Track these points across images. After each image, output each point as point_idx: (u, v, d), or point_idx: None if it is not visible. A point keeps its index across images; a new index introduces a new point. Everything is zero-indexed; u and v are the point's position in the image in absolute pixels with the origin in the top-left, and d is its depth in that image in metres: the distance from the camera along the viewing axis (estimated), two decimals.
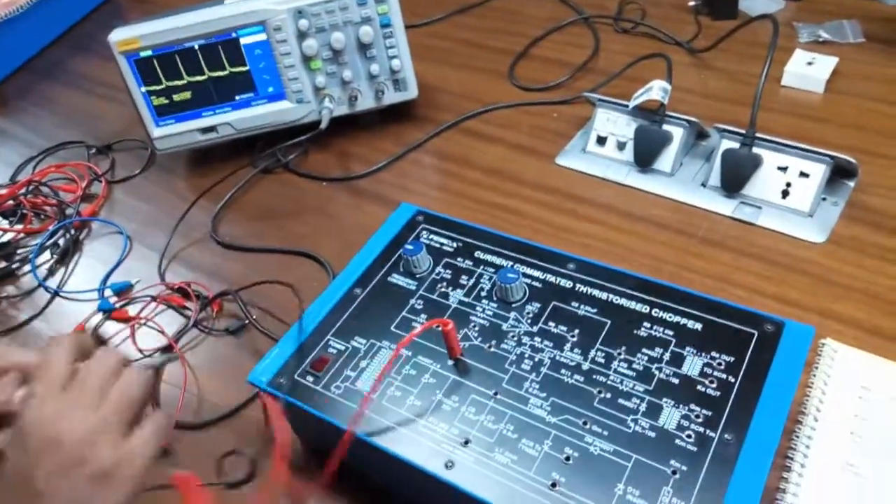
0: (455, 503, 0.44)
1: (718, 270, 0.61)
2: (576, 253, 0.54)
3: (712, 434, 0.42)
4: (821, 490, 0.45)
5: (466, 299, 0.52)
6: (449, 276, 0.54)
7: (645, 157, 0.70)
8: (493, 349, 0.48)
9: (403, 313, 0.52)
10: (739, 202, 0.65)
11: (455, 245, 0.56)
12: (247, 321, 0.63)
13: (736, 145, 0.65)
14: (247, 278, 0.67)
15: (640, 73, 0.79)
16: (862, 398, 0.50)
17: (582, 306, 0.50)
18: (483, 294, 0.52)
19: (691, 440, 0.42)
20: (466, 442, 0.43)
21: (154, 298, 0.66)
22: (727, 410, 0.42)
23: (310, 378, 0.49)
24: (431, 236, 0.57)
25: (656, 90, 0.67)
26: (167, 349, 0.62)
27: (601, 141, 0.73)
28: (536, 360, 0.47)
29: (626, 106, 0.71)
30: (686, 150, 0.70)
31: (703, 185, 0.68)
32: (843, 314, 0.56)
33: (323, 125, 0.76)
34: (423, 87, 0.83)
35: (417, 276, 0.54)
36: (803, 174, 0.63)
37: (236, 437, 0.55)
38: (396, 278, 0.54)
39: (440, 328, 0.47)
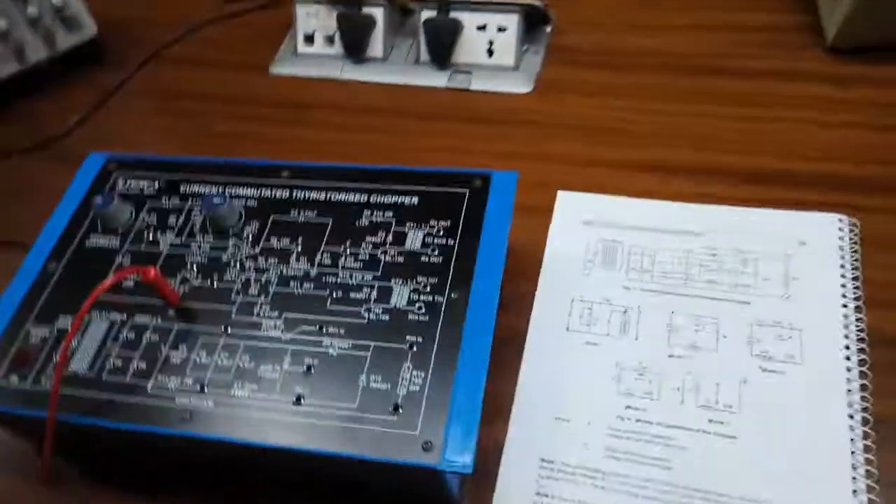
0: (207, 451, 0.42)
1: (443, 143, 0.61)
2: (303, 161, 0.50)
3: (440, 298, 0.42)
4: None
5: (179, 240, 0.47)
6: (155, 221, 0.48)
7: (354, 45, 0.67)
8: (216, 284, 0.45)
9: (111, 276, 0.46)
10: (452, 72, 0.65)
11: (157, 185, 0.50)
12: None
13: (434, 14, 0.64)
14: None
15: None
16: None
17: (302, 212, 0.47)
18: (196, 230, 0.48)
19: (423, 311, 0.42)
20: (202, 388, 0.40)
21: None
22: (451, 272, 0.43)
23: (14, 378, 0.42)
24: (129, 182, 0.51)
25: None
26: None
27: (309, 39, 0.69)
28: (263, 281, 0.44)
29: None
30: (393, 30, 0.68)
31: (417, 62, 0.67)
32: (562, 153, 0.58)
33: None
34: (106, 23, 0.73)
35: (119, 231, 0.48)
36: (501, 29, 0.64)
37: None
38: (95, 239, 0.48)
39: (141, 278, 0.42)
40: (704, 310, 0.47)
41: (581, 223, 0.53)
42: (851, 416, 0.41)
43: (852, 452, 0.40)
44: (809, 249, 0.48)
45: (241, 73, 0.71)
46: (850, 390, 0.42)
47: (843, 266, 0.47)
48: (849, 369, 0.43)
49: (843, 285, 0.46)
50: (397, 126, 0.63)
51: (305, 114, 0.66)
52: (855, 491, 0.39)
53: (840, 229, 0.48)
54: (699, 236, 0.50)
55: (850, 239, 0.48)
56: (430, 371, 0.39)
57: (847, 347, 0.44)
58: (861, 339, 0.44)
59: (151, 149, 0.54)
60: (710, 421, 0.42)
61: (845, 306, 0.45)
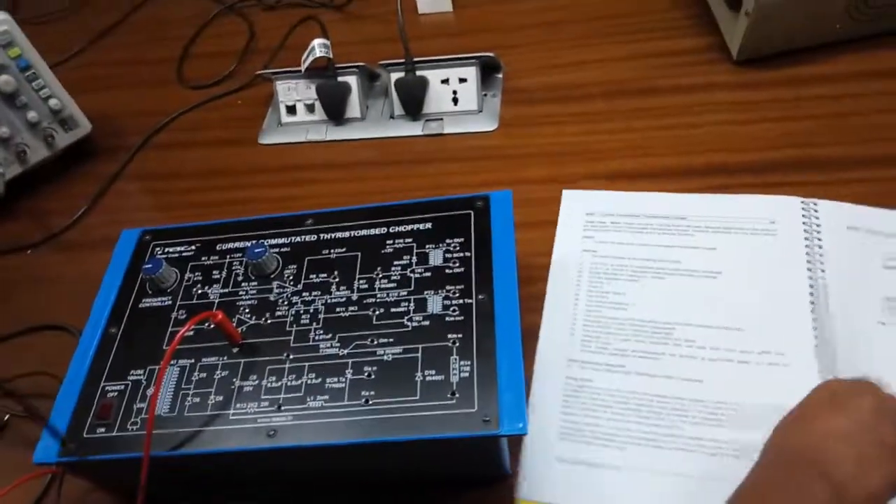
0: (295, 464, 0.47)
1: (430, 181, 0.69)
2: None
3: (470, 301, 0.49)
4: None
5: (226, 290, 0.53)
6: (200, 278, 0.54)
7: (334, 110, 0.75)
8: (269, 321, 0.51)
9: (170, 329, 0.51)
10: (425, 121, 0.75)
11: (194, 247, 0.57)
12: (7, 416, 0.57)
13: (403, 74, 0.74)
14: None
15: (300, 40, 0.84)
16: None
17: (332, 251, 0.54)
18: (240, 279, 0.54)
19: (457, 313, 0.49)
20: (279, 408, 0.46)
21: None
22: (473, 278, 0.50)
23: (101, 429, 0.47)
24: (167, 249, 0.57)
25: (318, 48, 0.73)
26: None
27: (291, 110, 0.77)
28: (312, 311, 0.51)
29: (300, 71, 0.75)
30: (366, 92, 0.77)
31: (392, 117, 0.76)
32: (536, 176, 0.68)
33: None
34: (97, 119, 0.79)
35: (169, 290, 0.54)
36: (462, 80, 0.74)
37: None
38: (148, 302, 0.53)
39: (210, 324, 0.48)
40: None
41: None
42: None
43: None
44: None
45: (230, 147, 0.78)
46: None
47: (807, 238, 0.57)
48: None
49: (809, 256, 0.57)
50: (385, 173, 0.71)
51: (300, 174, 0.73)
52: None
53: (804, 209, 0.59)
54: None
55: (814, 217, 0.58)
56: (475, 359, 0.46)
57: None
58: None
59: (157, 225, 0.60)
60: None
61: (810, 269, 0.56)
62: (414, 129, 0.74)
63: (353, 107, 0.76)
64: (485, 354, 0.46)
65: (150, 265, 0.54)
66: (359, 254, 0.54)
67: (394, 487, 0.50)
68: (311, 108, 0.77)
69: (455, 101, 0.74)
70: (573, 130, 0.71)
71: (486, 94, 0.75)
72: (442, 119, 0.74)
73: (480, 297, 0.49)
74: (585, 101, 0.73)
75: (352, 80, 0.75)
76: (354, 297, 0.51)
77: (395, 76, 0.74)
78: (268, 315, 0.51)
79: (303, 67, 0.75)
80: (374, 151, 0.74)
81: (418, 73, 0.73)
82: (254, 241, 0.55)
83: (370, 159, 0.73)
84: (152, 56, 0.92)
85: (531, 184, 0.67)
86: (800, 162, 0.63)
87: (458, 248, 0.53)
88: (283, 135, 0.77)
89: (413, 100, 0.74)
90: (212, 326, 0.50)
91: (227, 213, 0.70)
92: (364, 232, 0.55)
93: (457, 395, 0.45)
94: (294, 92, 0.77)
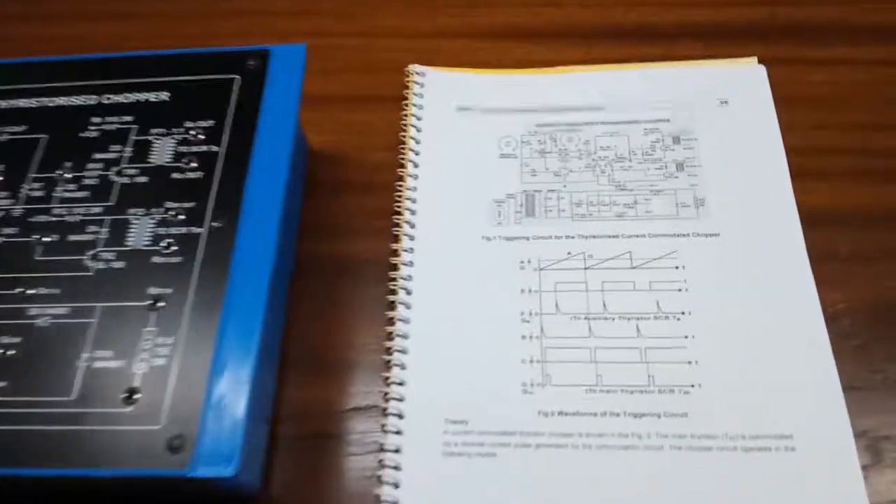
0: None
1: (229, 26, 0.46)
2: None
3: (199, 229, 0.30)
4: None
5: None
6: None
7: None
8: None
9: None
10: None
11: None
12: None
13: None
14: None
15: None
16: (458, 115, 0.41)
17: (5, 129, 0.33)
18: None
19: (173, 250, 0.29)
20: None
21: None
22: (214, 191, 0.30)
23: None
24: None
25: None
26: None
27: None
28: None
29: None
30: None
31: None
32: (388, 26, 0.45)
33: None
34: None
35: None
36: None
37: None
38: None
39: None
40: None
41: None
42: None
43: None
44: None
45: None
46: None
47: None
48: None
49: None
50: (162, 8, 0.48)
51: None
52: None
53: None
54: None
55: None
56: (183, 336, 0.27)
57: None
58: None
59: None
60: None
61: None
62: None
63: None
64: (199, 330, 0.27)
65: None
66: (46, 136, 0.33)
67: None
68: None
69: None
70: None
71: None
72: None
73: (216, 224, 0.30)
74: None
75: None
76: (17, 211, 0.31)
77: None
78: None
79: None
80: None
81: None
82: None
83: None
84: None
85: (384, 36, 0.45)
86: (765, 25, 0.43)
87: (202, 138, 0.32)
88: None
89: None
90: None
91: None
92: (61, 100, 0.34)
93: (136, 398, 0.26)
94: None
